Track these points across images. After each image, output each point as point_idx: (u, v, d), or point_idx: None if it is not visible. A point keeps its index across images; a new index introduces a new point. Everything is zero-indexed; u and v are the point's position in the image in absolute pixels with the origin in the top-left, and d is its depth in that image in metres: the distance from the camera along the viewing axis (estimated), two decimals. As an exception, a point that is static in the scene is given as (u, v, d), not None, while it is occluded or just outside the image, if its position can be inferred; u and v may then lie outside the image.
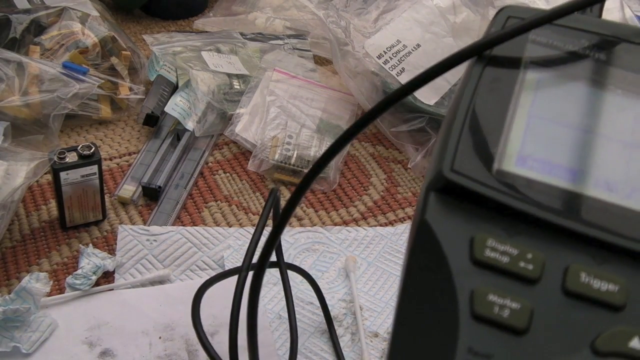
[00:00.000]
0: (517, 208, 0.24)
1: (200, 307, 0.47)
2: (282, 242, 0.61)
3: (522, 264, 0.23)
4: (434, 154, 0.26)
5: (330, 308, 0.55)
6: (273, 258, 0.52)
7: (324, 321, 0.54)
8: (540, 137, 0.26)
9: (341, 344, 0.53)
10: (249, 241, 0.60)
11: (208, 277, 0.52)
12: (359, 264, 0.60)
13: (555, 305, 0.23)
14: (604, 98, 0.27)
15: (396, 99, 0.28)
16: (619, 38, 0.28)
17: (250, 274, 0.36)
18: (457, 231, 0.24)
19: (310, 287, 0.56)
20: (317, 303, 0.55)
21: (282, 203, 0.66)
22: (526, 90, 0.27)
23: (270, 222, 0.53)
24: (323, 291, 0.56)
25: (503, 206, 0.24)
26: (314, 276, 0.56)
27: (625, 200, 0.24)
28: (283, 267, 0.52)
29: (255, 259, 0.43)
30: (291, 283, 0.57)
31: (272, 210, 0.48)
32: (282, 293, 0.56)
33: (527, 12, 0.29)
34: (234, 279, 0.45)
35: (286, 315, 0.53)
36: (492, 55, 0.28)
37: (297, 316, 0.54)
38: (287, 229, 0.63)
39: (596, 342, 0.22)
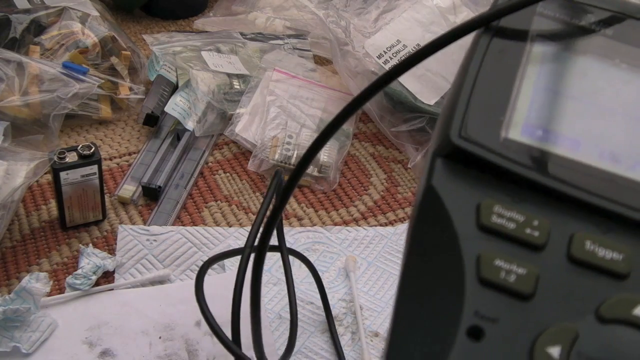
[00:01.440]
0: (524, 175, 0.24)
1: (203, 285, 0.47)
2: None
3: (528, 231, 0.23)
4: (440, 120, 0.27)
5: (330, 308, 0.55)
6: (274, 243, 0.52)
7: (325, 320, 0.54)
8: (546, 107, 0.26)
9: (341, 344, 0.53)
10: (249, 241, 0.60)
11: (208, 276, 0.52)
12: (359, 264, 0.60)
13: (561, 272, 0.23)
14: (610, 72, 0.27)
15: (405, 68, 0.28)
16: (625, 14, 0.29)
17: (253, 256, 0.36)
18: (464, 197, 0.24)
19: (310, 288, 0.56)
20: (318, 303, 0.55)
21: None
22: (533, 62, 0.27)
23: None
24: (326, 291, 0.56)
25: (510, 173, 0.24)
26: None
27: (630, 172, 0.24)
28: (284, 250, 0.52)
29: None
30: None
31: (275, 193, 0.48)
32: (282, 293, 0.56)
33: None
34: (234, 278, 0.45)
35: (287, 315, 0.53)
36: (500, 26, 0.28)
37: (301, 317, 0.54)
38: (287, 229, 0.63)
39: (600, 308, 0.22)
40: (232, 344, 0.44)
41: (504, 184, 0.24)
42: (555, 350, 0.21)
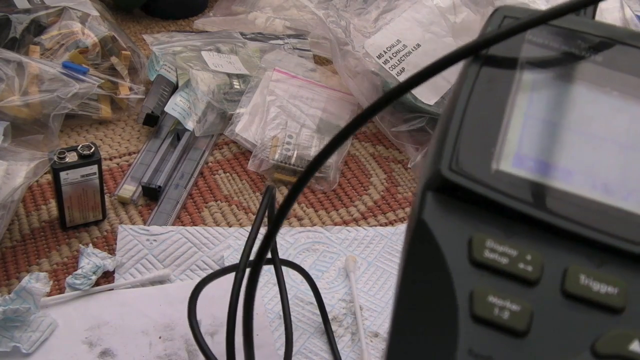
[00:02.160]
0: (516, 208, 0.24)
1: (196, 306, 0.47)
2: (282, 242, 0.61)
3: (521, 265, 0.23)
4: (430, 153, 0.26)
5: (330, 308, 0.55)
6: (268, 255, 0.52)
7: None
8: (537, 137, 0.26)
9: (341, 344, 0.53)
10: (249, 241, 0.60)
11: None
12: (359, 264, 0.60)
13: (555, 307, 0.22)
14: (600, 100, 0.27)
15: (394, 97, 0.27)
16: (614, 40, 0.28)
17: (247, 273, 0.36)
18: (455, 231, 0.24)
19: (310, 288, 0.56)
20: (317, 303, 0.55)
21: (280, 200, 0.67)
22: (523, 91, 0.27)
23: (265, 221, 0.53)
24: (323, 291, 0.56)
25: (501, 206, 0.24)
26: (313, 276, 0.56)
27: (623, 202, 0.24)
28: (278, 264, 0.52)
29: (251, 257, 0.43)
30: (291, 283, 0.57)
31: (267, 209, 0.48)
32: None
33: (523, 12, 0.29)
34: (233, 278, 0.45)
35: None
36: (489, 54, 0.28)
37: (297, 316, 0.55)
38: (287, 228, 0.63)
39: (596, 344, 0.22)
40: None
41: (496, 217, 0.24)
42: None
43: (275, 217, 0.31)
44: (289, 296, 0.55)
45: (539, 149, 0.25)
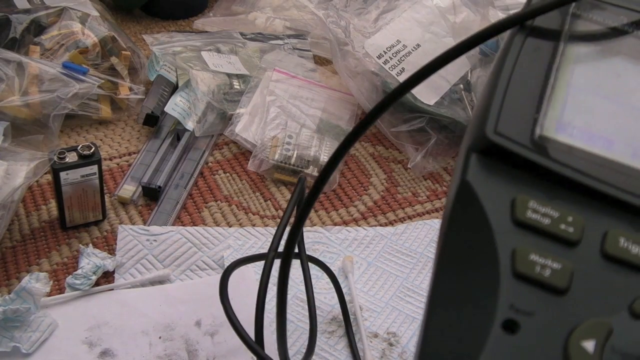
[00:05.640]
0: (559, 172, 0.24)
1: (227, 287, 0.48)
2: (282, 242, 0.61)
3: (562, 226, 0.24)
4: (474, 116, 0.27)
5: (330, 308, 0.55)
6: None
7: (325, 321, 0.54)
8: (580, 107, 0.26)
9: (341, 344, 0.53)
10: (248, 241, 0.60)
11: (208, 276, 0.52)
12: (359, 264, 0.60)
13: (595, 267, 0.23)
14: None
15: (423, 76, 0.28)
16: None
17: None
18: (499, 192, 0.24)
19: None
20: (318, 304, 0.55)
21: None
22: (566, 62, 0.28)
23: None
24: (323, 291, 0.56)
25: (544, 170, 0.25)
26: (313, 276, 0.56)
27: None
28: (304, 257, 0.54)
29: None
30: (291, 283, 0.57)
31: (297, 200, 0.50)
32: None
33: None
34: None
35: (288, 316, 0.53)
36: (534, 25, 0.29)
37: (297, 316, 0.55)
38: (287, 229, 0.63)
39: (634, 305, 0.22)
40: (256, 345, 0.45)
41: (538, 180, 0.25)
42: (589, 345, 0.22)
43: (303, 204, 0.32)
44: (289, 296, 0.55)
45: (582, 118, 0.26)
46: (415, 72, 0.29)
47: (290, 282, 0.57)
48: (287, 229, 0.47)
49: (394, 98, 0.30)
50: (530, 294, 0.22)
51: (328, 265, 0.59)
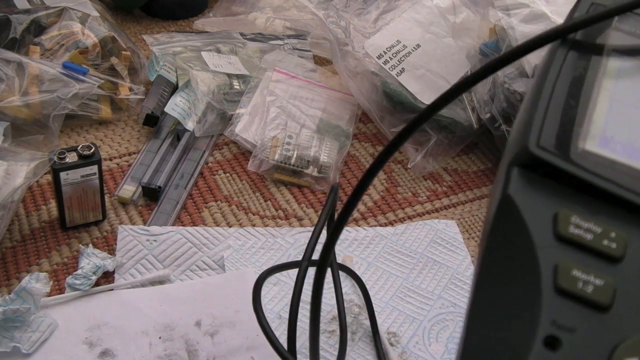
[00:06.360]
0: (602, 187, 0.24)
1: (261, 295, 0.49)
2: (282, 242, 0.61)
3: (605, 242, 0.23)
4: (515, 130, 0.27)
5: (330, 308, 0.55)
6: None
7: (325, 321, 0.54)
8: (622, 121, 0.26)
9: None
10: (248, 241, 0.60)
11: (208, 276, 0.52)
12: (359, 264, 0.60)
13: (638, 284, 0.23)
14: None
15: (481, 77, 0.28)
16: None
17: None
18: (541, 206, 0.24)
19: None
20: (322, 306, 0.55)
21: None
22: (609, 76, 0.28)
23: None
24: (323, 292, 0.56)
25: (587, 185, 0.24)
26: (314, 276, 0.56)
27: None
28: (335, 265, 0.55)
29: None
30: (291, 283, 0.57)
31: (331, 207, 0.51)
32: (282, 293, 0.56)
33: (609, 0, 0.30)
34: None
35: (286, 315, 0.53)
36: (576, 39, 0.28)
37: (301, 317, 0.54)
38: (287, 229, 0.63)
39: None
40: (290, 356, 0.45)
41: (581, 195, 0.24)
42: None
43: (340, 214, 0.32)
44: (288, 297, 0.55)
45: (625, 132, 0.26)
46: (451, 87, 0.29)
47: (290, 283, 0.57)
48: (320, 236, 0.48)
49: (434, 111, 0.29)
50: (572, 310, 0.22)
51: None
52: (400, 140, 0.30)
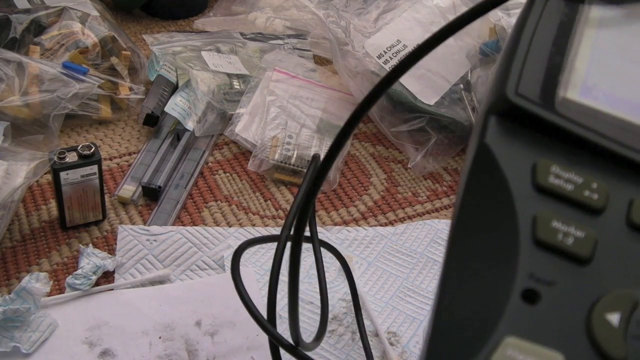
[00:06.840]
0: (583, 137, 0.23)
1: (239, 265, 0.46)
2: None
3: (586, 193, 0.22)
4: (493, 78, 0.26)
5: (330, 308, 0.55)
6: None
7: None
8: (604, 70, 0.25)
9: (341, 343, 0.53)
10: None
11: (208, 276, 0.52)
12: (359, 264, 0.60)
13: (619, 236, 0.22)
14: None
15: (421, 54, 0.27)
16: None
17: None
18: (519, 156, 0.23)
19: (310, 287, 0.56)
20: (318, 303, 0.55)
21: (281, 200, 0.66)
22: (590, 24, 0.27)
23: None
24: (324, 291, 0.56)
25: (568, 134, 0.23)
26: (314, 276, 0.56)
27: None
28: (316, 241, 0.52)
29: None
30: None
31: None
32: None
33: None
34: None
35: (284, 314, 0.53)
36: None
37: (301, 314, 0.54)
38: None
39: None
40: (269, 324, 0.43)
41: (561, 144, 0.23)
42: (614, 317, 0.20)
43: (312, 182, 0.31)
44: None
45: (606, 81, 0.25)
46: (412, 50, 0.28)
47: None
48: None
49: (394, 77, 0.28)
50: (551, 262, 0.21)
51: (328, 265, 0.59)
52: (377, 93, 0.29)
